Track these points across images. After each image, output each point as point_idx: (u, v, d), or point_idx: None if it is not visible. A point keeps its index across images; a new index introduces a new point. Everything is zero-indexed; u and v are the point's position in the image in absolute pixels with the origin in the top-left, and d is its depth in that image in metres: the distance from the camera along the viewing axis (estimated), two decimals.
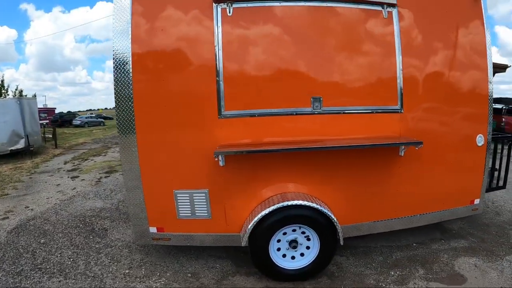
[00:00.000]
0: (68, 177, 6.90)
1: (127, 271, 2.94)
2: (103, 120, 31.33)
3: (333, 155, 2.75)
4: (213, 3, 2.55)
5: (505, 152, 3.71)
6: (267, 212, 2.50)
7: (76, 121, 28.29)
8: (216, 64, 2.56)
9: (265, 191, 2.75)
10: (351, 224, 2.87)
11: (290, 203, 2.51)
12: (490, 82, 3.02)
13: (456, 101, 3.00)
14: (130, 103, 2.59)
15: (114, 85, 2.59)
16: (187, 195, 2.72)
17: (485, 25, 2.99)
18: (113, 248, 3.40)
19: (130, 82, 2.57)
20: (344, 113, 2.75)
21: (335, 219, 2.57)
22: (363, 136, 2.80)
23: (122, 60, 2.56)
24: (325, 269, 2.78)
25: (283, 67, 2.66)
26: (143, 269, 2.95)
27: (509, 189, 4.00)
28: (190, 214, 2.75)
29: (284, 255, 2.71)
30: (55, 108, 34.27)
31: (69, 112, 36.54)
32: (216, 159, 2.46)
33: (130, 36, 2.55)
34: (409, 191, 2.96)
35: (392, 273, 2.82)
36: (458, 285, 2.61)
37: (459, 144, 3.04)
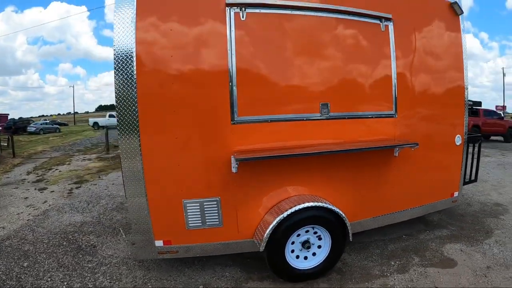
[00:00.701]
0: (35, 189, 6.17)
1: None
2: (58, 126, 28.80)
3: (339, 157, 2.87)
4: (226, 7, 2.51)
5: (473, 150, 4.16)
6: (285, 216, 2.52)
7: (31, 128, 25.68)
8: (229, 68, 2.53)
9: (276, 195, 2.76)
10: (355, 221, 3.01)
11: (307, 205, 2.57)
12: (466, 88, 3.43)
13: (439, 107, 3.37)
14: (133, 106, 2.42)
15: (116, 87, 2.41)
16: (198, 204, 2.62)
17: (462, 40, 3.40)
18: (108, 266, 3.10)
19: (134, 85, 2.41)
20: (348, 118, 2.91)
21: (345, 217, 2.70)
22: (365, 139, 2.99)
23: (125, 61, 2.40)
24: (334, 266, 2.89)
25: (295, 74, 2.72)
26: (150, 287, 2.75)
27: (476, 183, 4.51)
28: (200, 224, 2.65)
29: (297, 256, 2.75)
30: (8, 114, 30.59)
31: (21, 118, 32.89)
32: (236, 165, 2.41)
33: (134, 36, 2.40)
34: (402, 188, 3.22)
35: (392, 263, 3.04)
36: (451, 268, 2.90)
37: (441, 144, 3.40)
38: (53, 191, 6.00)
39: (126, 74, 2.40)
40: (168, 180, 2.57)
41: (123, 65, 2.40)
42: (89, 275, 2.95)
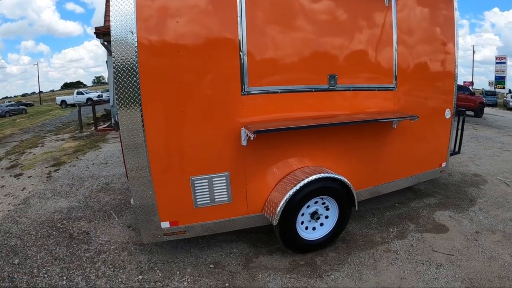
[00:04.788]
0: (11, 175, 5.41)
1: (140, 277, 2.43)
2: (25, 107, 25.99)
3: (344, 129, 2.76)
4: None
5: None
6: (298, 188, 2.39)
7: None
8: (239, 35, 2.23)
9: (285, 166, 2.61)
10: (358, 190, 2.96)
11: (320, 175, 2.45)
12: (456, 65, 3.43)
13: (433, 82, 3.37)
14: (134, 77, 2.05)
15: (113, 55, 2.02)
16: (206, 180, 2.37)
17: (455, 20, 3.36)
18: (107, 253, 2.77)
19: (135, 53, 2.03)
20: (353, 90, 2.78)
21: (352, 187, 2.63)
22: (368, 110, 2.89)
23: (124, 27, 2.00)
24: (340, 235, 2.85)
25: (304, 44, 2.51)
26: (158, 271, 2.49)
27: (455, 155, 4.66)
28: (209, 201, 2.42)
29: (306, 227, 2.66)
30: None
31: None
32: (253, 137, 2.15)
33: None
34: (398, 158, 3.23)
35: (391, 230, 3.07)
36: (444, 233, 2.99)
37: (434, 117, 3.42)
38: (31, 176, 5.34)
39: (125, 41, 2.01)
40: (174, 157, 2.28)
41: (121, 31, 2.00)
42: (88, 265, 2.60)
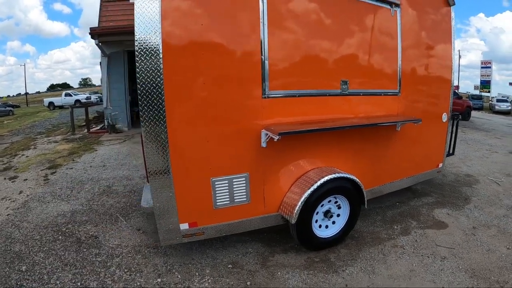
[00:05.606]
0: (5, 178, 5.15)
1: (158, 279, 2.40)
2: (11, 109, 24.80)
3: (353, 131, 2.87)
4: None
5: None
6: (315, 187, 2.47)
7: None
8: (262, 40, 2.29)
9: (300, 167, 2.69)
10: (367, 189, 3.07)
11: (336, 175, 2.55)
12: (453, 72, 3.65)
13: (432, 88, 3.58)
14: (157, 77, 2.06)
15: (137, 55, 2.02)
16: (226, 181, 2.40)
17: (452, 29, 3.58)
18: (120, 257, 2.70)
19: (160, 54, 2.04)
20: (363, 94, 2.91)
21: (362, 186, 2.75)
22: (375, 114, 3.03)
23: (149, 29, 2.01)
24: (349, 233, 2.95)
25: (320, 52, 2.62)
26: (177, 273, 2.46)
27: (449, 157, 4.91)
28: (228, 202, 2.45)
29: (320, 226, 2.74)
30: None
31: None
32: (276, 139, 2.21)
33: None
34: (401, 159, 3.39)
35: (395, 227, 3.21)
36: (444, 229, 3.16)
37: (432, 120, 3.62)
38: (26, 179, 5.13)
39: (149, 42, 2.02)
40: (196, 158, 2.29)
41: (147, 34, 2.01)
42: (102, 270, 2.52)
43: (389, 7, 2.96)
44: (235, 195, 2.47)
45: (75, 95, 27.84)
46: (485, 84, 31.03)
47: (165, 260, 2.64)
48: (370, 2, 2.83)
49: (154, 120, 2.12)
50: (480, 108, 22.93)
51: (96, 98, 26.57)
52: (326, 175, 2.55)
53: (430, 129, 3.59)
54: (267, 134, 2.36)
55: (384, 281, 2.37)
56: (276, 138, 2.21)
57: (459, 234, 3.06)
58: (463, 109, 13.80)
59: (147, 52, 2.03)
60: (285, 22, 2.43)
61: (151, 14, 2.01)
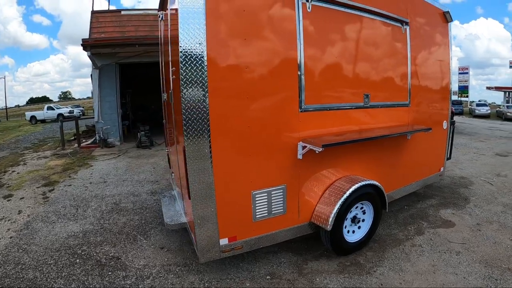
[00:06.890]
0: None
1: None
2: None
3: (375, 140, 3.02)
4: None
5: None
6: (347, 195, 2.58)
7: None
8: (298, 57, 2.41)
9: (330, 177, 2.80)
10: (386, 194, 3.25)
11: (365, 182, 2.69)
12: (451, 83, 4.00)
13: (435, 97, 3.89)
14: (202, 90, 2.08)
15: (182, 68, 2.03)
16: (266, 194, 2.43)
17: (450, 44, 3.93)
18: (152, 278, 2.57)
19: (205, 72, 2.06)
20: (381, 107, 3.12)
21: (385, 191, 2.91)
22: (390, 124, 3.25)
23: (193, 44, 2.04)
24: (373, 236, 3.08)
25: (347, 67, 2.78)
26: None
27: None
28: (266, 214, 2.47)
29: (348, 231, 2.85)
30: None
31: None
32: (318, 151, 2.30)
33: (205, 17, 2.07)
34: (411, 165, 3.62)
35: (409, 228, 3.40)
36: (452, 227, 3.40)
37: (435, 127, 3.90)
38: (23, 198, 4.76)
39: (194, 57, 2.04)
40: (238, 173, 2.31)
41: (191, 45, 2.03)
42: None
43: (400, 25, 3.22)
44: (273, 206, 2.50)
45: (57, 108, 26.57)
46: (464, 90, 31.50)
47: (200, 278, 2.57)
48: (386, 20, 3.06)
49: (198, 133, 2.12)
50: (460, 113, 23.31)
51: (79, 112, 25.46)
52: (356, 183, 2.67)
53: (434, 136, 3.87)
54: (304, 146, 2.46)
55: (413, 277, 2.52)
56: (318, 150, 2.31)
57: (467, 230, 3.30)
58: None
59: (192, 82, 2.06)
60: (318, 41, 2.58)
61: (196, 29, 2.05)
